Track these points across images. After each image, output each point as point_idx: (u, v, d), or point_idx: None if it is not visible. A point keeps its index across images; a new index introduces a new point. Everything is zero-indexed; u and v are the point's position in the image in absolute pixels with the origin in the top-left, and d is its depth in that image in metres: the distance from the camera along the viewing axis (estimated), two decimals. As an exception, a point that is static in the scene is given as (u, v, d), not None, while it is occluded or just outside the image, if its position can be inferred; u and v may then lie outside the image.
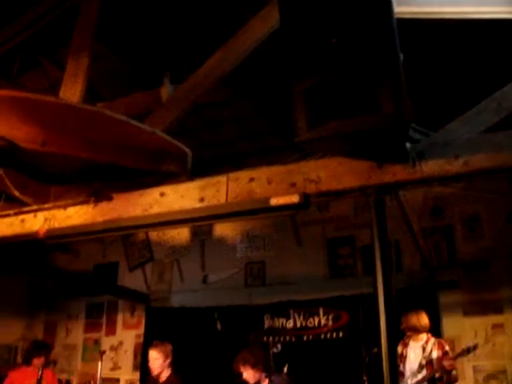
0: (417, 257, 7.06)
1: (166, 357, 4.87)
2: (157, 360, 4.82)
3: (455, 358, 5.08)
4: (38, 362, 5.56)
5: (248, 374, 4.75)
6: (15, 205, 4.91)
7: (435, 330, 6.95)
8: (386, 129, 3.06)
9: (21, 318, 10.31)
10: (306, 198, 3.81)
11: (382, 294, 3.51)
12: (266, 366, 4.77)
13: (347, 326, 7.62)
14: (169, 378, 4.81)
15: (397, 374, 3.68)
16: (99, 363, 4.08)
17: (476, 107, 3.38)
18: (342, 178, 3.78)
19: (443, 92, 5.63)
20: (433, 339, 5.29)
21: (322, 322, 7.82)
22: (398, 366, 5.43)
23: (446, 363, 4.89)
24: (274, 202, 3.87)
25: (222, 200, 4.28)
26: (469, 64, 5.45)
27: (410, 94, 2.96)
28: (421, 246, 6.57)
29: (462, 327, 7.03)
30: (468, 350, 5.05)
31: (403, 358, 5.24)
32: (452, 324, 7.08)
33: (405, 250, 7.13)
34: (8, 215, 5.06)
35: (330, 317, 7.78)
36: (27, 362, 5.61)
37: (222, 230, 9.05)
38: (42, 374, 5.43)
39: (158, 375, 4.83)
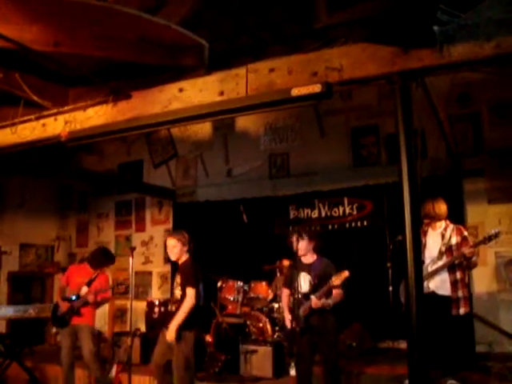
0: (442, 145, 6.91)
1: (184, 244, 5.00)
2: (175, 248, 4.97)
3: (476, 245, 5.08)
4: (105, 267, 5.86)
5: (302, 243, 4.90)
6: (35, 110, 4.91)
7: (459, 218, 6.98)
8: (412, 10, 2.88)
9: (54, 220, 10.76)
10: (328, 87, 3.71)
11: (406, 182, 3.50)
12: (317, 245, 4.96)
13: (371, 214, 7.70)
14: (185, 261, 5.00)
15: (420, 261, 3.73)
16: (130, 259, 4.21)
17: (509, -16, 3.15)
18: (365, 65, 3.66)
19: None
20: (451, 226, 5.26)
21: (347, 211, 7.91)
22: None
23: (466, 250, 4.91)
24: (295, 92, 3.80)
25: (242, 93, 4.22)
26: None
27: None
28: (446, 133, 6.40)
29: (486, 215, 7.04)
30: (489, 238, 5.02)
31: (422, 245, 5.26)
32: (476, 212, 7.09)
33: (430, 139, 6.95)
34: (29, 120, 5.08)
35: (355, 206, 7.85)
36: (94, 264, 5.81)
37: (244, 122, 8.98)
38: (95, 276, 5.69)
39: (177, 260, 5.01)
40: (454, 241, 5.12)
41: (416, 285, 3.42)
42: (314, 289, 4.81)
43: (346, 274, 4.58)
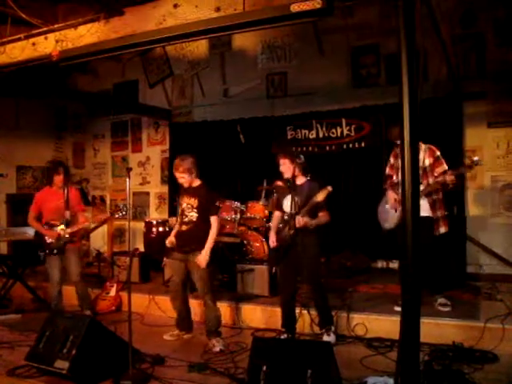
0: (444, 66, 6.69)
1: (194, 169, 4.98)
2: (186, 173, 4.93)
3: (457, 173, 4.98)
4: (57, 179, 5.73)
5: (285, 166, 4.88)
6: (24, 28, 4.74)
7: (457, 141, 6.98)
8: None
9: (50, 142, 10.71)
10: (329, 2, 3.58)
11: (407, 103, 3.43)
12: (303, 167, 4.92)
13: (369, 136, 7.65)
14: (201, 186, 5.00)
15: (418, 180, 3.71)
16: (127, 180, 4.20)
17: None
18: (368, -20, 3.52)
19: None
20: (423, 146, 5.09)
21: (345, 132, 7.85)
22: (391, 177, 5.47)
23: (448, 178, 4.84)
24: (294, 8, 3.68)
25: (240, 8, 4.10)
26: None
27: None
28: (449, 54, 6.19)
29: (485, 138, 6.99)
30: (470, 166, 4.94)
31: (395, 168, 5.24)
32: (475, 135, 7.03)
33: (431, 59, 6.77)
34: (18, 39, 4.91)
35: (353, 127, 7.78)
36: (50, 182, 5.81)
37: (241, 41, 8.75)
38: (67, 192, 5.64)
39: (189, 185, 4.99)
40: (427, 162, 5.08)
41: (412, 206, 3.42)
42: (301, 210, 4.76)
43: (328, 188, 4.51)
